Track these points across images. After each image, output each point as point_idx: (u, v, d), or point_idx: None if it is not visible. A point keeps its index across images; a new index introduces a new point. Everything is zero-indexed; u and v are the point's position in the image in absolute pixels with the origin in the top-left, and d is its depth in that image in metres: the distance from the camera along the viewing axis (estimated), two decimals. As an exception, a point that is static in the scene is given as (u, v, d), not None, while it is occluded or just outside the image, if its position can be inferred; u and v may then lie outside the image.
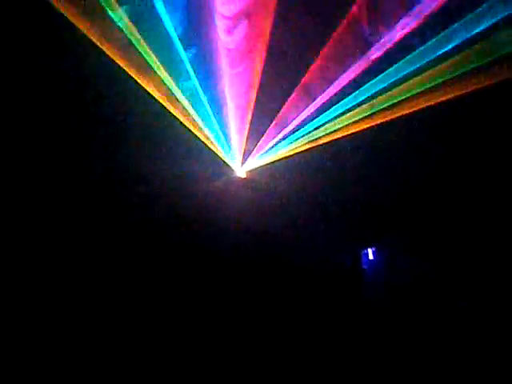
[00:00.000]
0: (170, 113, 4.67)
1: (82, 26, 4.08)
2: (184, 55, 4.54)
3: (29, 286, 3.98)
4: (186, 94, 4.67)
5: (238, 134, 5.02)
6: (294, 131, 5.00)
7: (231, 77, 4.78)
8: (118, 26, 4.23)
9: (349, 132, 4.76)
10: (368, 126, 4.69)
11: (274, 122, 4.97)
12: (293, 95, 4.82)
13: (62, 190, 4.28)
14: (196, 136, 4.84)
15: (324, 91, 4.75)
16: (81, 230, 4.31)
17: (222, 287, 4.57)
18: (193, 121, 4.82)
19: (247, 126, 4.96)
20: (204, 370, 3.99)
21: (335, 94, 4.70)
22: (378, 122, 4.66)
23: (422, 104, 4.46)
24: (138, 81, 4.46)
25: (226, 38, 4.58)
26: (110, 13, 4.14)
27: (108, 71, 4.29)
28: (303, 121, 4.94)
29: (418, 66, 4.27)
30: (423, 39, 4.12)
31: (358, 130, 4.72)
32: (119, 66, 4.32)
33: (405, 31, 4.14)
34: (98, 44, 4.18)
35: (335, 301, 4.67)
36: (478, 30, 3.90)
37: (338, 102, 4.75)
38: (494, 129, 4.54)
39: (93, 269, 4.23)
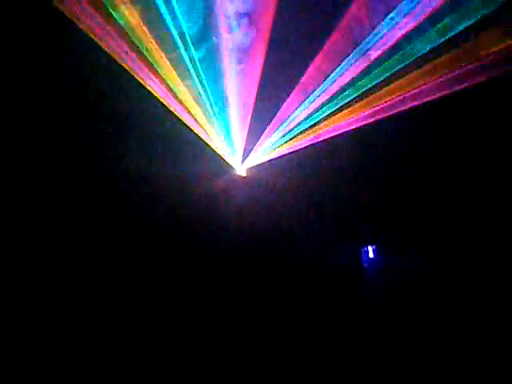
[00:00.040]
0: (170, 112, 4.70)
1: (83, 24, 4.12)
2: (186, 54, 4.56)
3: (30, 286, 4.02)
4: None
5: (238, 133, 5.03)
6: (293, 129, 5.00)
7: (232, 75, 4.79)
8: (120, 25, 4.25)
9: (347, 129, 4.74)
10: (366, 123, 4.67)
11: (273, 121, 4.98)
12: (293, 93, 4.81)
13: (62, 189, 4.33)
14: (196, 134, 4.86)
15: (323, 89, 4.74)
16: (82, 228, 4.35)
17: (223, 285, 4.59)
18: (194, 119, 4.85)
19: (247, 125, 4.98)
20: (204, 369, 4.01)
21: (334, 92, 4.68)
22: (376, 119, 4.63)
23: (419, 101, 4.42)
24: (139, 79, 4.49)
25: (227, 36, 4.59)
26: (112, 11, 4.16)
27: (109, 70, 4.33)
28: (303, 119, 4.94)
29: (412, 60, 4.23)
30: (419, 34, 4.08)
31: (356, 127, 4.70)
32: (120, 65, 4.36)
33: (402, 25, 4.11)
34: (99, 43, 4.22)
35: (335, 299, 4.66)
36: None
37: (336, 100, 4.73)
38: (492, 127, 4.48)
39: (94, 267, 4.27)
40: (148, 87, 4.57)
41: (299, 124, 4.95)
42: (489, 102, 4.35)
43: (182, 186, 4.76)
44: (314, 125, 4.90)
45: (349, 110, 4.71)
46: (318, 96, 4.74)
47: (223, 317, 4.40)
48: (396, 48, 4.24)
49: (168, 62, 4.55)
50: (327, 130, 4.87)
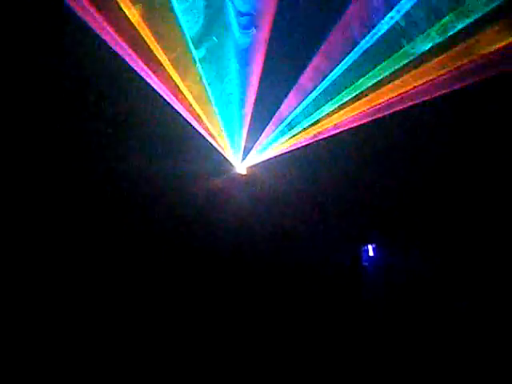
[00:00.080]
0: (170, 110, 4.70)
1: (85, 23, 4.11)
2: (187, 53, 4.56)
3: (30, 286, 4.05)
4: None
5: (238, 131, 5.04)
6: (294, 127, 4.99)
7: (232, 73, 4.79)
8: (123, 23, 4.25)
9: (348, 127, 4.72)
10: (367, 121, 4.64)
11: (274, 119, 4.97)
12: (293, 91, 4.80)
13: (62, 189, 4.35)
14: (196, 132, 4.87)
15: (324, 87, 4.72)
16: (82, 228, 4.38)
17: (222, 284, 4.61)
18: (194, 117, 4.85)
19: (248, 123, 4.98)
20: (204, 370, 4.04)
21: (335, 90, 4.66)
22: (378, 117, 4.60)
23: (420, 100, 4.39)
24: (139, 78, 4.49)
25: (228, 35, 4.59)
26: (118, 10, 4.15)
27: (108, 68, 4.34)
28: (303, 117, 4.92)
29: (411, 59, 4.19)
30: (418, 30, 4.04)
31: (357, 125, 4.68)
32: (120, 63, 4.35)
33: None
34: (101, 42, 4.22)
35: (335, 298, 4.66)
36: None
37: (337, 97, 4.71)
38: (492, 128, 4.43)
39: (93, 267, 4.30)
40: (148, 86, 4.57)
41: (300, 122, 4.94)
42: (488, 101, 4.31)
43: (182, 185, 4.78)
44: (315, 123, 4.88)
45: (350, 107, 4.68)
46: (319, 94, 4.72)
47: (223, 316, 4.42)
48: (396, 46, 4.20)
49: (168, 61, 4.55)
50: (328, 128, 4.85)
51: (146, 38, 4.40)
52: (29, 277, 4.05)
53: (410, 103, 4.44)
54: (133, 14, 4.28)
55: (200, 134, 4.88)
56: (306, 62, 4.62)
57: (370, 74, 4.39)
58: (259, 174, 5.09)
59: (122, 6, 4.20)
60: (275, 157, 5.06)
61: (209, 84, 4.72)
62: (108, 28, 4.22)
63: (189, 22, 4.43)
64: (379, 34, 4.17)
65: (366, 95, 4.52)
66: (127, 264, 4.41)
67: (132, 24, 4.28)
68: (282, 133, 5.04)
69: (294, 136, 5.02)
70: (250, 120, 4.95)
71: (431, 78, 4.33)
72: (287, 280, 4.74)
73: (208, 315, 4.40)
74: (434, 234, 4.69)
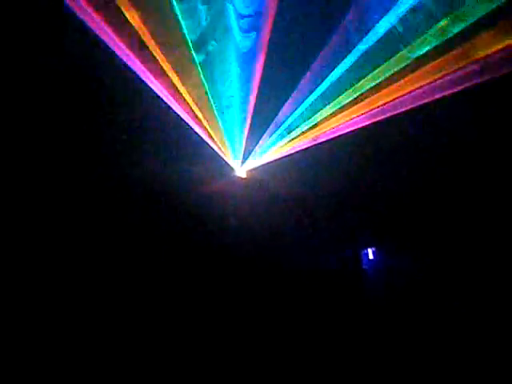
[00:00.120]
0: (171, 113, 4.69)
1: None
2: (188, 57, 4.55)
3: (34, 285, 4.02)
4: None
5: (238, 134, 5.04)
6: (294, 131, 5.02)
7: (233, 77, 4.80)
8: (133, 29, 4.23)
9: (348, 130, 4.77)
10: (366, 125, 4.70)
11: (274, 122, 5.00)
12: (293, 95, 4.84)
13: (64, 190, 4.32)
14: (197, 135, 4.86)
15: (324, 91, 4.76)
16: (84, 228, 4.34)
17: (222, 287, 4.58)
18: (195, 121, 4.84)
19: (248, 126, 4.99)
20: (204, 370, 4.00)
21: (334, 94, 4.71)
22: (376, 121, 4.66)
23: (417, 103, 4.46)
24: (140, 81, 4.47)
25: (229, 39, 4.61)
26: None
27: (111, 72, 4.32)
28: (303, 120, 4.96)
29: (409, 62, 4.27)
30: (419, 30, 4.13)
31: (356, 128, 4.73)
32: (123, 67, 4.33)
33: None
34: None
35: (336, 301, 4.67)
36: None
37: (337, 101, 4.76)
38: (491, 130, 4.53)
39: (94, 266, 4.26)
40: (147, 90, 4.55)
41: (300, 126, 4.97)
42: (488, 103, 4.41)
43: (183, 188, 4.76)
44: (315, 126, 4.92)
45: (349, 111, 4.74)
46: (319, 97, 4.77)
47: (222, 319, 4.39)
48: (395, 48, 4.27)
49: (170, 65, 4.54)
50: (328, 132, 4.89)
51: (146, 41, 4.40)
52: (34, 274, 4.05)
53: (409, 106, 4.51)
54: (135, 19, 4.27)
55: (200, 137, 4.88)
56: (306, 65, 4.66)
57: (370, 76, 4.45)
58: (259, 178, 5.09)
59: (127, 15, 4.19)
60: (275, 160, 5.07)
61: (209, 87, 4.72)
62: (106, 28, 4.21)
63: (191, 27, 4.44)
64: (379, 35, 4.24)
65: (366, 98, 4.58)
66: (131, 263, 4.40)
67: (134, 28, 4.28)
68: (282, 136, 5.07)
69: (293, 139, 5.04)
70: (250, 123, 4.96)
71: (428, 81, 4.41)
72: (288, 283, 4.73)
73: (207, 317, 4.37)
74: (433, 237, 4.74)
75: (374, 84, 4.56)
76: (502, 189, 4.55)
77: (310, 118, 4.94)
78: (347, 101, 4.74)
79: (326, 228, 4.97)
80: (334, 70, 4.64)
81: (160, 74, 4.52)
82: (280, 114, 4.96)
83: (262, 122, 5.00)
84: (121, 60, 4.29)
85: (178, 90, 4.65)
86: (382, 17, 4.23)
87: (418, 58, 4.30)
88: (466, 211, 4.68)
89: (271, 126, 5.02)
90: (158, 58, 4.46)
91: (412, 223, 4.82)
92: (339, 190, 4.94)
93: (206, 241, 4.76)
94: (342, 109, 4.79)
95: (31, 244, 4.09)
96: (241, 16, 4.53)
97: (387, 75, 4.47)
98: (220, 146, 5.01)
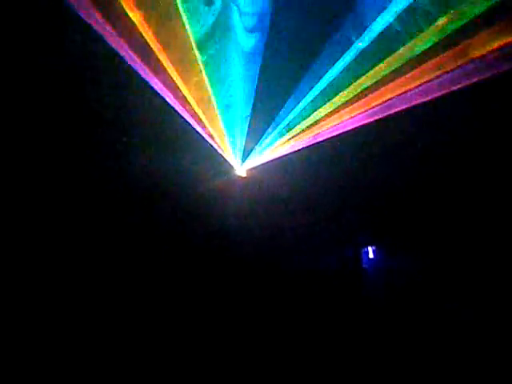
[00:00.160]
0: (171, 111, 4.69)
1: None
2: (190, 56, 4.55)
3: (33, 285, 4.04)
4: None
5: (238, 133, 5.04)
6: (294, 129, 5.01)
7: (233, 75, 4.80)
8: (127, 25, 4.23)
9: (348, 129, 4.75)
10: (366, 123, 4.68)
11: (274, 121, 4.98)
12: (293, 94, 4.82)
13: (63, 189, 4.33)
14: (197, 134, 4.86)
15: (324, 89, 4.75)
16: (82, 228, 4.36)
17: (222, 286, 4.59)
18: (195, 119, 4.84)
19: (248, 125, 4.98)
20: (205, 370, 4.01)
21: (335, 92, 4.69)
22: (376, 119, 4.64)
23: (417, 101, 4.43)
24: (141, 77, 4.47)
25: (230, 38, 4.60)
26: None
27: (108, 70, 4.32)
28: (303, 119, 4.94)
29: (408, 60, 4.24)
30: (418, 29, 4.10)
31: (356, 127, 4.72)
32: (122, 62, 4.32)
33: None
34: (105, 42, 4.20)
35: (336, 300, 4.67)
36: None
37: (337, 99, 4.75)
38: (491, 130, 4.50)
39: (93, 266, 4.28)
40: (149, 87, 4.55)
41: (300, 124, 4.96)
42: (488, 102, 4.37)
43: (182, 186, 4.77)
44: (315, 125, 4.91)
45: (349, 109, 4.72)
46: (319, 96, 4.75)
47: (222, 319, 4.40)
48: (394, 47, 4.25)
49: (170, 64, 4.54)
50: (328, 130, 4.88)
51: (148, 40, 4.39)
52: (34, 274, 4.07)
53: (408, 104, 4.48)
54: (137, 18, 4.27)
55: (200, 135, 4.87)
56: (306, 64, 4.65)
57: (369, 74, 4.42)
58: (259, 177, 5.09)
59: (129, 12, 4.18)
60: (275, 159, 5.06)
61: (211, 86, 4.72)
62: (108, 27, 4.20)
63: (193, 25, 4.43)
64: (377, 33, 4.21)
65: (366, 96, 4.56)
66: (129, 263, 4.40)
67: (135, 26, 4.28)
68: (282, 135, 5.05)
69: (294, 138, 5.03)
70: (251, 122, 4.95)
71: (428, 79, 4.37)
72: (287, 282, 4.74)
73: (207, 317, 4.38)
74: (434, 236, 4.73)
75: (374, 82, 4.54)
76: (503, 188, 4.52)
77: (311, 116, 4.92)
78: (347, 99, 4.72)
79: (325, 227, 4.96)
80: (334, 68, 4.62)
81: (161, 72, 4.53)
82: (281, 112, 4.95)
83: (263, 120, 4.99)
84: (122, 59, 4.29)
85: (180, 89, 4.65)
86: (383, 15, 4.20)
87: (418, 56, 4.27)
88: (467, 211, 4.66)
89: (272, 125, 5.01)
90: (159, 56, 4.47)
91: (412, 222, 4.80)
92: (339, 189, 4.93)
93: (205, 240, 4.77)
94: (343, 107, 4.77)
95: (29, 243, 4.10)
96: (244, 14, 4.52)
97: (387, 73, 4.44)
98: (220, 144, 5.01)
